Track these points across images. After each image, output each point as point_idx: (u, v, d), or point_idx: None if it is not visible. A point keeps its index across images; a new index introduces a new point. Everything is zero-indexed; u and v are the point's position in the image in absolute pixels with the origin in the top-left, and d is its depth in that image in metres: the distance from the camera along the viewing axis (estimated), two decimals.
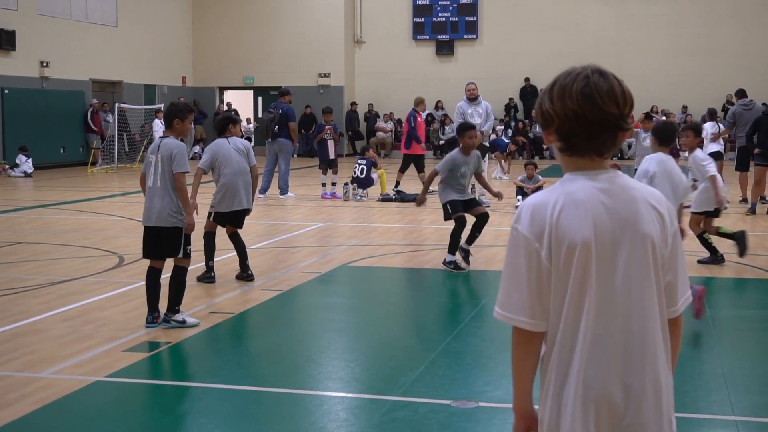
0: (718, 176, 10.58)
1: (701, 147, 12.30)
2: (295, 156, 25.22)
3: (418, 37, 35.30)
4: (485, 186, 11.01)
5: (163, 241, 7.72)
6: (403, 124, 20.45)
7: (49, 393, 5.92)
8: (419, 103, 18.79)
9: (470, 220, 10.50)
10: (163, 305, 7.79)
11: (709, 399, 5.97)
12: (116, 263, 10.89)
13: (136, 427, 5.43)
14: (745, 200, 17.00)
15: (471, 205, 10.57)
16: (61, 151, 28.93)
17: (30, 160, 25.73)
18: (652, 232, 2.57)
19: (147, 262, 7.94)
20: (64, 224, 14.66)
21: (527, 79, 33.59)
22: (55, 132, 28.29)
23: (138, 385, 6.26)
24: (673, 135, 8.37)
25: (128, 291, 9.18)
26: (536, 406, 2.69)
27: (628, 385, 2.52)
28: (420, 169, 18.26)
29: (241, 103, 37.73)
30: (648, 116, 16.76)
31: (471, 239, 10.51)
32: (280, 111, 18.73)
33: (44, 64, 28.06)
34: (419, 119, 18.57)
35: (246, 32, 35.70)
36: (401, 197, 17.81)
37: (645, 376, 2.54)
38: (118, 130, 28.54)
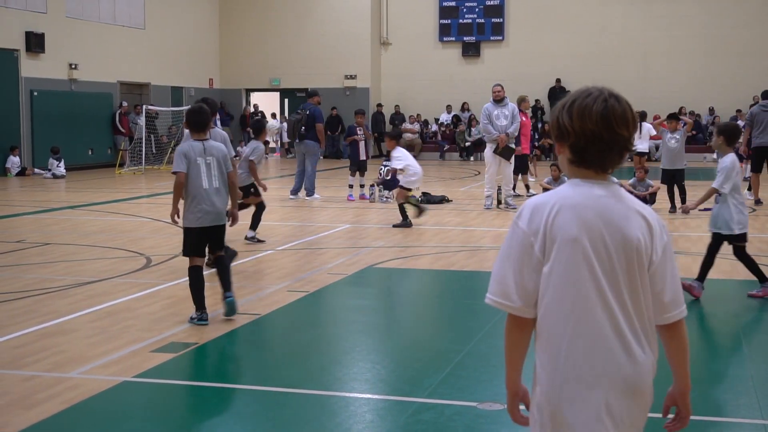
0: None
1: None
2: (322, 157, 25.27)
3: (444, 38, 35.28)
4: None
5: (215, 238, 8.05)
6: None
7: (78, 393, 5.96)
8: (522, 101, 18.39)
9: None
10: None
11: (737, 402, 5.92)
12: (144, 264, 10.95)
13: (163, 428, 5.46)
14: (759, 201, 17.02)
15: None
16: (90, 152, 29.14)
17: (62, 163, 25.99)
18: (639, 238, 2.82)
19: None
20: (92, 225, 14.76)
21: (558, 80, 33.48)
22: (83, 134, 28.51)
23: (165, 385, 6.29)
24: (738, 135, 8.79)
25: (155, 292, 9.23)
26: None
27: (607, 370, 2.78)
28: (523, 170, 18.32)
29: (268, 104, 37.88)
30: (674, 117, 16.64)
31: None
32: (308, 112, 18.78)
33: (73, 66, 28.28)
34: (524, 119, 17.98)
35: (272, 34, 35.80)
36: (427, 199, 17.80)
37: (619, 365, 2.79)
38: (145, 132, 28.72)
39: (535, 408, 2.90)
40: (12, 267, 10.84)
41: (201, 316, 7.86)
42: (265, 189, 12.54)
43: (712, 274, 8.98)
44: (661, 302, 2.88)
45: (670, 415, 3.08)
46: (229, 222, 8.18)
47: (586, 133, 2.82)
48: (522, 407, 3.03)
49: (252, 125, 10.08)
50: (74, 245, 12.48)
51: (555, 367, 2.82)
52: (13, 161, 25.97)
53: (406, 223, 14.20)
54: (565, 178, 17.30)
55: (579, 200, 2.84)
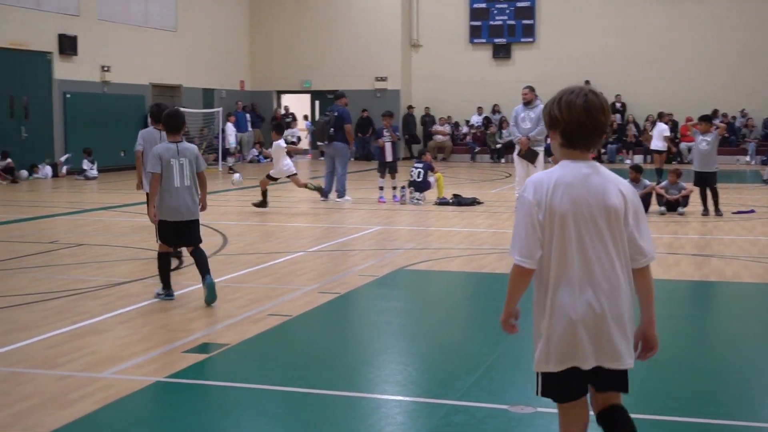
0: None
1: None
2: (352, 159, 25.32)
3: (475, 40, 35.21)
4: None
5: (189, 231, 8.83)
6: None
7: (110, 393, 5.99)
8: None
9: None
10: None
11: None
12: (174, 265, 10.98)
13: (194, 428, 5.47)
14: None
15: None
16: (122, 154, 29.31)
17: (95, 165, 26.23)
18: (616, 204, 3.75)
19: None
20: (124, 226, 14.85)
21: (587, 82, 33.32)
22: (115, 135, 28.70)
23: (197, 386, 6.31)
24: None
25: (186, 293, 9.26)
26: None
27: (595, 307, 3.74)
28: None
29: (298, 106, 37.98)
30: (706, 119, 16.46)
31: None
32: (336, 114, 18.80)
33: (105, 68, 28.48)
34: None
35: (303, 36, 35.89)
36: (458, 201, 17.76)
37: (610, 301, 3.75)
38: None
39: (535, 329, 3.89)
40: (45, 268, 10.92)
41: (168, 293, 8.91)
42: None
43: (749, 278, 8.88)
44: (637, 250, 3.81)
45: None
46: (200, 208, 8.97)
47: (573, 121, 3.74)
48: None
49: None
50: (107, 246, 12.56)
51: (553, 306, 3.79)
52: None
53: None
54: None
55: (569, 179, 3.76)
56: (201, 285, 8.67)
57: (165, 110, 9.33)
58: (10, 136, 25.59)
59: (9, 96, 25.48)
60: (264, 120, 36.02)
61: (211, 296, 8.59)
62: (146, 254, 11.84)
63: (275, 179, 17.56)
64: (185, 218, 8.74)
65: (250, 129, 34.22)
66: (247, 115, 34.31)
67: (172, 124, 8.80)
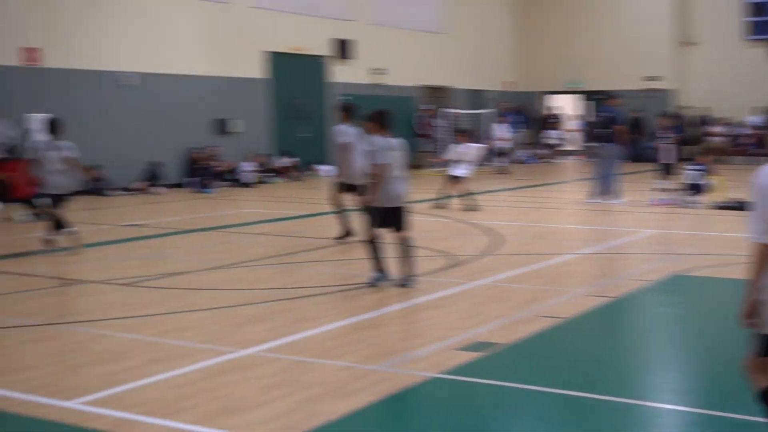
0: None
1: None
2: (624, 160, 24.68)
3: (752, 37, 33.41)
4: None
5: (400, 216, 9.69)
6: None
7: (388, 386, 6.14)
8: None
9: None
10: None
11: None
12: (445, 264, 11.13)
13: (466, 426, 5.49)
14: None
15: None
16: None
17: None
18: None
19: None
20: None
21: None
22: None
23: (470, 383, 6.34)
24: None
25: (459, 292, 9.36)
26: None
27: None
28: None
29: (566, 107, 37.57)
30: None
31: None
32: (608, 114, 18.44)
33: (377, 71, 29.39)
34: None
35: (571, 37, 35.50)
36: (740, 205, 16.90)
37: None
38: (445, 135, 29.34)
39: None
40: (324, 263, 11.37)
41: (382, 276, 9.70)
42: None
43: None
44: None
45: None
46: None
47: None
48: None
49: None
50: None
51: None
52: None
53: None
54: None
55: None
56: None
57: (378, 111, 10.03)
58: (289, 136, 26.98)
59: (288, 98, 26.83)
60: (532, 121, 35.92)
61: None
62: (419, 252, 12.08)
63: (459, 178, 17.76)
64: (399, 204, 9.70)
65: (518, 130, 34.21)
66: (515, 116, 34.31)
67: (387, 121, 9.84)
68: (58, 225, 12.49)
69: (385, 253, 9.80)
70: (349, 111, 13.36)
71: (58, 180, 12.51)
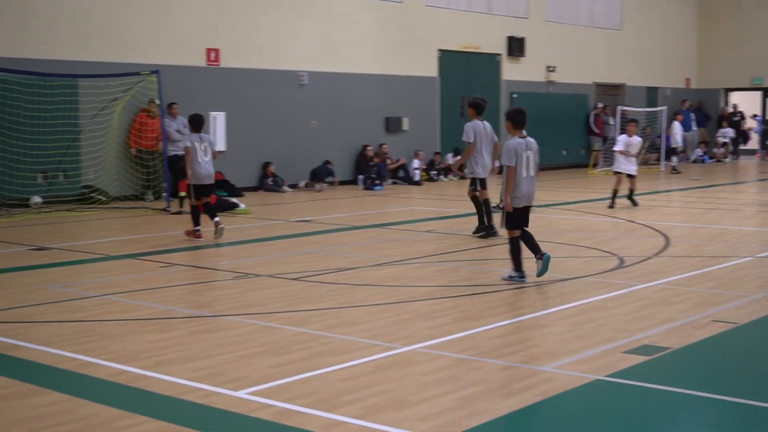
0: None
1: None
2: None
3: None
4: None
5: (528, 215, 9.89)
6: None
7: (552, 386, 6.07)
8: None
9: None
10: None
11: None
12: (616, 265, 10.90)
13: (632, 430, 5.36)
14: None
15: None
16: (563, 152, 29.75)
17: None
18: None
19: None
20: (565, 224, 15.02)
21: None
22: (558, 134, 29.19)
23: (637, 387, 6.18)
24: None
25: (628, 293, 9.15)
26: None
27: None
28: None
29: (748, 104, 36.14)
30: None
31: None
32: None
33: (550, 68, 29.06)
34: None
35: (754, 32, 34.11)
36: None
37: None
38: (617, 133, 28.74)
39: None
40: (485, 261, 11.33)
41: (520, 275, 9.73)
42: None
43: None
44: None
45: None
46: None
47: None
48: None
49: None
50: (548, 243, 12.74)
51: None
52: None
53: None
54: None
55: None
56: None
57: (514, 109, 10.12)
58: (457, 134, 26.98)
59: (460, 96, 26.85)
60: (710, 119, 34.74)
61: (544, 269, 9.62)
62: (587, 252, 11.88)
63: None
64: (530, 204, 9.86)
65: (695, 128, 33.13)
66: (692, 114, 33.22)
67: (521, 120, 9.81)
68: (212, 215, 13.46)
69: (522, 254, 9.87)
70: (477, 107, 13.45)
71: (205, 170, 13.44)
